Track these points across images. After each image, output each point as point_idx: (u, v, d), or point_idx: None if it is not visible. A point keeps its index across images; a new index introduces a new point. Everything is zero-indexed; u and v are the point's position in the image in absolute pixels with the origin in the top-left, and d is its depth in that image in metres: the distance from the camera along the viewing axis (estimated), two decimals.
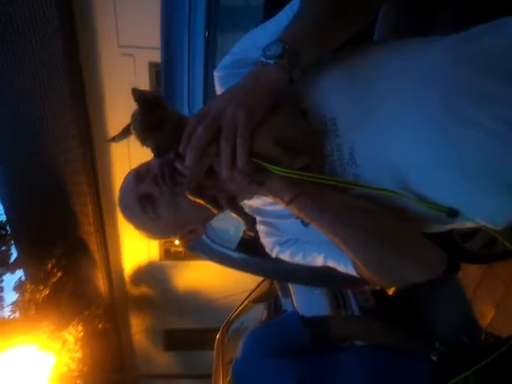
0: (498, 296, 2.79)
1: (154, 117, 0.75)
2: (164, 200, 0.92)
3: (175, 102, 2.38)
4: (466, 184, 0.77)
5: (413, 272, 0.83)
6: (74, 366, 7.29)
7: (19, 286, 7.82)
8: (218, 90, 0.91)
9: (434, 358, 1.53)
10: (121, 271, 8.29)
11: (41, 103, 6.43)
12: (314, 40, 0.77)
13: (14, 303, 7.63)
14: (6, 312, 7.86)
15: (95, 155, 6.72)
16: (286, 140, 0.77)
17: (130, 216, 0.98)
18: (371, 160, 0.81)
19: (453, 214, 0.78)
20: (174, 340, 9.32)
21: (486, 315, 2.89)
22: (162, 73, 2.38)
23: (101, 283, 7.97)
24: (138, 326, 8.97)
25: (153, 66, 6.29)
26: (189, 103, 2.34)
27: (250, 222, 0.98)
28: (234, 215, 0.92)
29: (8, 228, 8.36)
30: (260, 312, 5.30)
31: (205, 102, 2.29)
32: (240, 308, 5.97)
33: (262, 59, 0.74)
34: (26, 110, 6.63)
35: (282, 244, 0.97)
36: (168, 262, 8.15)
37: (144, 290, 8.63)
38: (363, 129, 0.80)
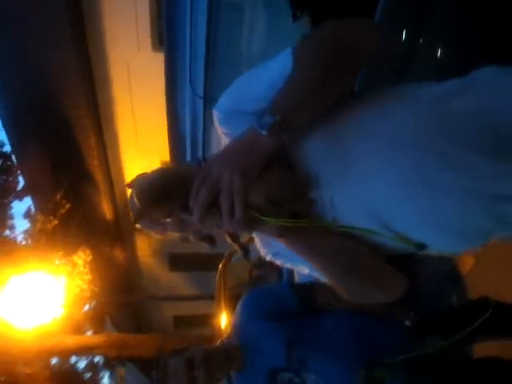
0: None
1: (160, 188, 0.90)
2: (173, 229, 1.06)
3: (177, 38, 2.42)
4: (430, 231, 0.94)
5: (377, 296, 1.05)
6: (85, 286, 7.79)
7: (29, 214, 8.16)
8: (217, 126, 1.03)
9: (407, 324, 1.76)
10: (125, 200, 8.57)
11: (40, 38, 6.29)
12: (303, 109, 0.87)
13: (26, 231, 8.00)
14: (19, 238, 8.24)
15: (96, 90, 6.69)
16: (274, 197, 0.91)
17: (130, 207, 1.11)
18: (349, 208, 0.95)
19: (421, 247, 0.95)
20: (179, 262, 9.84)
21: (465, 265, 3.12)
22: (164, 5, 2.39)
23: (107, 211, 8.28)
24: (143, 250, 9.44)
25: None
26: (191, 38, 2.38)
27: (246, 251, 1.15)
28: (233, 245, 1.09)
29: (14, 159, 8.49)
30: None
31: (208, 38, 2.31)
32: (244, 239, 6.30)
33: (256, 127, 0.85)
34: (27, 47, 6.50)
35: (273, 254, 1.16)
36: None
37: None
38: (342, 183, 0.94)
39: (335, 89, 0.89)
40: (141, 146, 7.74)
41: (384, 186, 0.90)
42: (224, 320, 5.92)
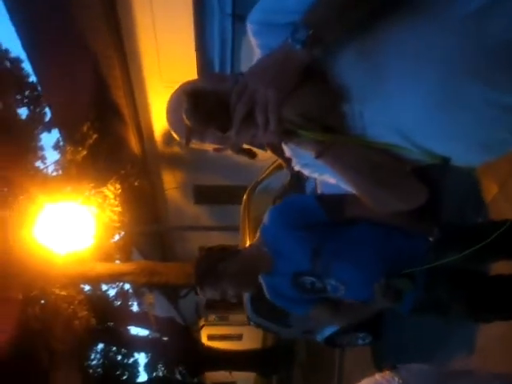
0: (502, 175, 2.99)
1: (204, 108, 0.96)
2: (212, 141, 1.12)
3: None
4: (455, 143, 1.00)
5: (400, 204, 1.18)
6: (115, 217, 8.08)
7: (58, 146, 8.36)
8: (251, 38, 1.05)
9: (430, 240, 1.81)
10: (151, 132, 8.64)
11: None
12: (335, 24, 0.89)
13: (56, 162, 8.23)
14: (50, 170, 8.49)
15: (119, 19, 6.59)
16: (307, 110, 0.98)
17: (175, 130, 1.18)
18: (377, 121, 1.00)
19: (445, 161, 1.02)
20: (204, 195, 10.05)
21: (489, 193, 3.13)
22: None
23: (134, 144, 8.41)
24: (169, 183, 9.65)
25: None
26: None
27: (288, 161, 1.22)
28: (275, 155, 1.16)
29: (39, 89, 8.57)
30: (284, 177, 5.69)
31: None
32: (267, 171, 6.37)
33: (290, 41, 0.88)
34: None
35: (302, 165, 1.24)
36: None
37: (175, 148, 9.06)
38: (372, 97, 0.98)
39: (367, 3, 0.91)
40: (165, 77, 7.68)
41: (413, 101, 0.94)
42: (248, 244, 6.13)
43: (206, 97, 1.00)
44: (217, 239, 11.03)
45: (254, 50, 1.09)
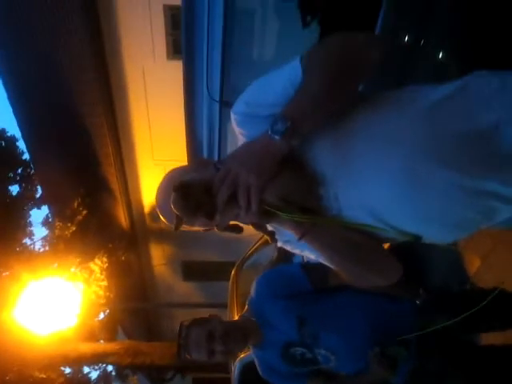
0: (484, 249, 3.05)
1: (191, 199, 1.03)
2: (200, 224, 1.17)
3: (195, 46, 2.54)
4: (423, 224, 1.07)
5: (377, 281, 1.21)
6: (101, 293, 7.91)
7: (47, 222, 8.36)
8: (235, 127, 1.14)
9: (417, 302, 1.83)
10: (141, 208, 8.73)
11: (62, 51, 6.56)
12: (312, 116, 0.98)
13: (44, 238, 8.18)
14: (37, 246, 8.43)
15: (113, 99, 6.91)
16: (286, 194, 1.05)
17: (163, 215, 1.23)
18: (350, 203, 1.08)
19: (416, 239, 1.08)
20: (192, 271, 9.94)
21: (472, 266, 3.17)
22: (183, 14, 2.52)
23: (123, 219, 8.45)
24: (158, 258, 9.58)
25: (168, 8, 6.30)
26: (208, 45, 2.49)
27: (272, 234, 1.27)
28: (259, 231, 1.22)
29: (32, 167, 8.73)
30: (271, 251, 5.71)
31: (223, 44, 2.43)
32: (254, 247, 6.39)
33: (270, 133, 0.96)
34: (47, 60, 6.78)
35: (284, 242, 1.29)
36: None
37: (163, 224, 9.07)
38: (343, 180, 1.06)
39: (341, 98, 1.00)
40: (156, 155, 7.92)
41: (381, 186, 1.02)
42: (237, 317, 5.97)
43: (192, 188, 1.05)
44: (204, 315, 10.73)
45: (237, 137, 1.19)
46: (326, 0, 2.34)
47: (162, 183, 1.25)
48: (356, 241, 1.14)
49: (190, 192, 1.04)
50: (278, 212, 1.05)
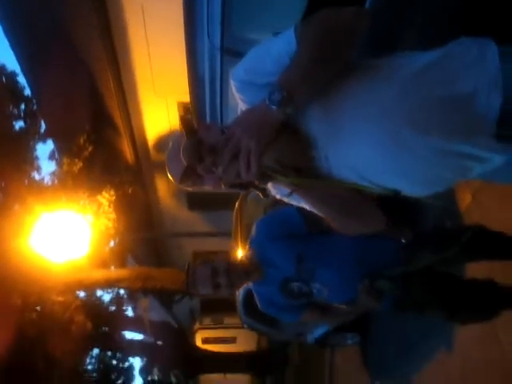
0: (474, 186, 3.24)
1: (199, 148, 1.18)
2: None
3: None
4: (403, 181, 1.22)
5: (361, 229, 1.42)
6: (110, 224, 8.26)
7: (53, 157, 8.54)
8: (235, 93, 1.28)
9: (402, 241, 2.06)
10: (145, 141, 8.84)
11: None
12: (305, 85, 1.10)
13: (53, 173, 8.40)
14: (46, 180, 8.65)
15: (112, 33, 6.80)
16: (282, 158, 1.22)
17: (172, 172, 1.38)
18: (338, 163, 1.24)
19: (396, 193, 1.24)
20: (197, 201, 10.24)
21: (463, 203, 3.38)
22: None
23: (128, 153, 8.60)
24: (163, 191, 9.84)
25: None
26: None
27: (263, 191, 1.43)
28: (253, 189, 1.37)
29: (34, 103, 8.73)
30: None
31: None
32: None
33: (267, 101, 1.08)
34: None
35: (281, 195, 1.44)
36: None
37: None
38: (333, 144, 1.21)
39: (331, 67, 1.13)
40: (158, 88, 7.89)
41: (365, 148, 1.17)
42: (240, 254, 6.35)
43: (200, 140, 1.21)
44: (210, 244, 11.22)
45: (237, 101, 1.32)
46: None
47: (172, 141, 1.40)
48: (342, 195, 1.32)
49: (200, 142, 1.19)
50: (273, 174, 1.21)
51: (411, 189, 1.25)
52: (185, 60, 3.18)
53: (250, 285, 2.11)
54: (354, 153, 1.19)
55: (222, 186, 1.31)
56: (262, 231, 2.11)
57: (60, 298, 8.29)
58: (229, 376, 13.72)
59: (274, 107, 1.08)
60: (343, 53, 1.13)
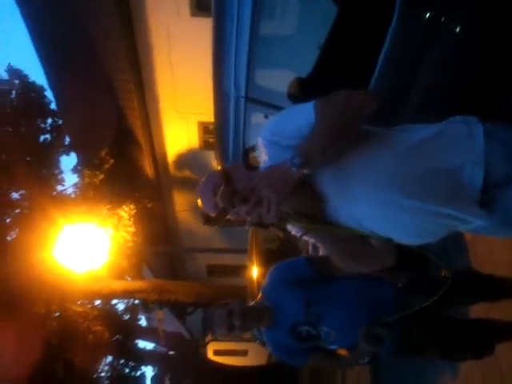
0: None
1: (233, 193, 1.38)
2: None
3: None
4: (395, 233, 1.44)
5: (361, 269, 1.63)
6: (128, 237, 8.52)
7: (77, 169, 8.87)
8: (261, 148, 1.51)
9: (399, 285, 2.23)
10: (165, 157, 9.15)
11: (87, 6, 6.69)
12: (321, 154, 1.34)
13: (75, 185, 8.72)
14: (69, 192, 8.97)
15: (138, 54, 7.12)
16: (298, 208, 1.44)
17: (206, 207, 1.58)
18: (344, 215, 1.46)
19: (389, 241, 1.46)
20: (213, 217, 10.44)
21: (468, 234, 3.51)
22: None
23: (148, 168, 8.91)
24: (181, 205, 10.11)
25: None
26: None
27: (283, 230, 1.64)
28: (274, 228, 1.59)
29: (60, 117, 9.09)
30: None
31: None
32: None
33: (289, 163, 1.31)
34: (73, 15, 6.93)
35: (298, 234, 1.66)
36: (206, 152, 8.90)
37: (186, 173, 9.55)
38: (340, 199, 1.44)
39: (342, 141, 1.37)
40: (179, 107, 8.19)
41: (365, 206, 1.41)
42: (255, 272, 6.53)
43: (234, 190, 1.40)
44: (224, 259, 11.45)
45: (262, 154, 1.55)
46: None
47: (203, 181, 1.60)
48: (346, 239, 1.53)
49: (232, 183, 1.40)
50: (289, 218, 1.44)
51: (403, 238, 1.47)
52: (206, 82, 3.36)
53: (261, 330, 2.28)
54: (355, 209, 1.42)
55: (247, 227, 1.55)
56: (273, 278, 2.31)
57: (79, 308, 8.55)
58: None
59: (294, 168, 1.32)
60: (351, 131, 1.37)
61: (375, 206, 1.38)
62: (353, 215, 1.44)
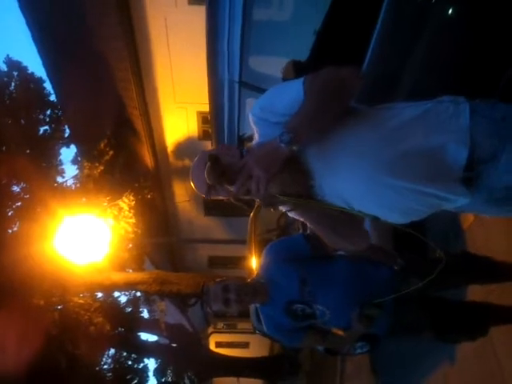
0: None
1: (219, 169, 1.39)
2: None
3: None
4: (381, 210, 1.45)
5: (347, 246, 1.65)
6: (129, 228, 8.53)
7: (77, 161, 8.87)
8: (252, 125, 1.52)
9: (396, 268, 2.22)
10: (164, 148, 9.13)
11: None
12: (309, 130, 1.34)
13: (75, 177, 8.73)
14: (69, 184, 8.98)
15: (137, 44, 7.07)
16: (286, 185, 1.44)
17: (196, 184, 1.59)
18: (330, 192, 1.47)
19: (375, 219, 1.45)
20: (213, 207, 10.47)
21: (466, 221, 3.51)
22: None
23: (147, 159, 8.89)
24: (181, 196, 10.10)
25: None
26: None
27: (273, 205, 1.64)
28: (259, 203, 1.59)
29: (59, 108, 9.07)
30: None
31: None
32: None
33: (278, 140, 1.31)
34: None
35: (288, 211, 1.65)
36: (205, 142, 8.88)
37: (186, 163, 9.52)
38: (326, 177, 1.44)
39: (330, 116, 1.38)
40: (178, 97, 8.17)
41: (350, 182, 1.42)
42: (254, 262, 6.54)
43: (220, 161, 1.42)
44: (225, 250, 11.47)
45: (253, 131, 1.55)
46: None
47: (195, 159, 1.62)
48: (333, 216, 1.54)
49: (219, 163, 1.41)
50: (277, 195, 1.45)
51: (389, 216, 1.48)
52: (205, 71, 3.36)
53: (257, 306, 2.28)
54: (341, 185, 1.43)
55: (232, 199, 1.56)
56: (270, 256, 2.30)
57: (81, 300, 8.57)
58: (242, 380, 13.88)
59: (283, 145, 1.32)
60: (338, 106, 1.38)
61: (359, 182, 1.39)
62: (339, 193, 1.45)
